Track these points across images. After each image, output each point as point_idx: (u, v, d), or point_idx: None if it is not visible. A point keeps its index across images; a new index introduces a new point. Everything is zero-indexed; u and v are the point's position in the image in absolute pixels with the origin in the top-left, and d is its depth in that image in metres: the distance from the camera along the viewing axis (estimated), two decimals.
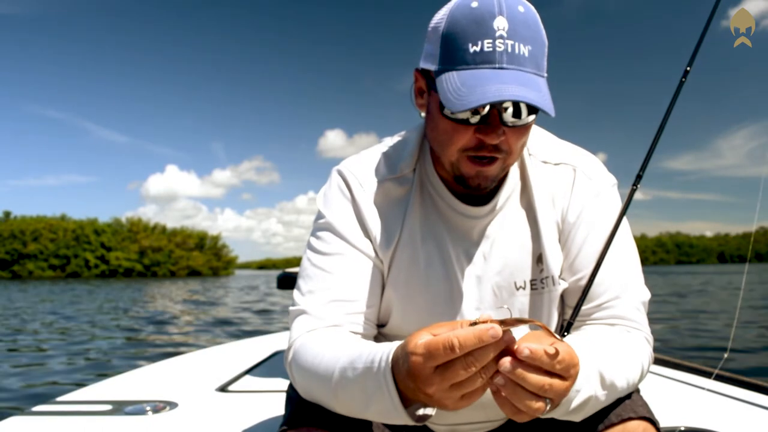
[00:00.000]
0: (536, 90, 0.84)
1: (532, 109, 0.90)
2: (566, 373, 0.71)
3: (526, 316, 1.03)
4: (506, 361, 0.67)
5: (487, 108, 0.88)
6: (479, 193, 0.96)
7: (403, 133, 1.12)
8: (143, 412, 1.84)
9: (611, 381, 0.86)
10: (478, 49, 0.85)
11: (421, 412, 0.79)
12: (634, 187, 1.13)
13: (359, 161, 1.08)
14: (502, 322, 0.66)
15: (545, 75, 0.91)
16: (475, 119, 0.89)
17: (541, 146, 1.07)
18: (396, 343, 0.77)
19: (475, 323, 0.68)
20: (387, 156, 1.07)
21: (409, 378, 0.71)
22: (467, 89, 0.84)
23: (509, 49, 0.85)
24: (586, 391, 0.81)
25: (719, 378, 2.19)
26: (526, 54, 0.86)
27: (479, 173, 0.92)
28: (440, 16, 0.92)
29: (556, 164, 1.05)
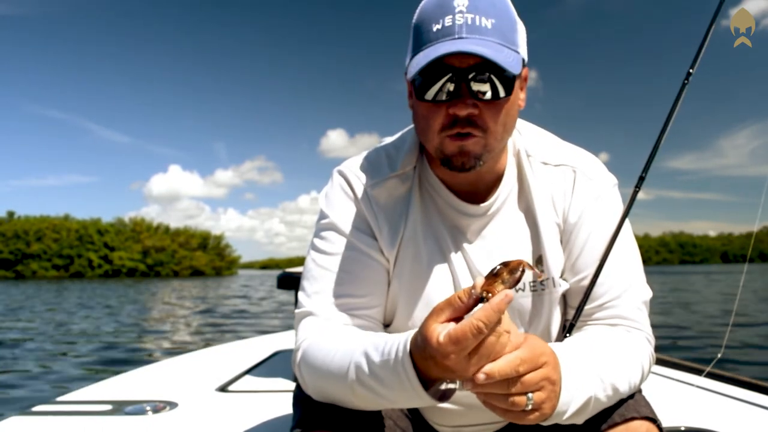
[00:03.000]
0: (494, 50, 0.85)
1: (504, 83, 0.89)
2: (534, 366, 0.73)
3: (526, 318, 1.03)
4: (467, 384, 0.71)
5: (452, 85, 0.88)
6: (466, 172, 0.94)
7: (399, 133, 1.12)
8: (143, 412, 1.84)
9: (612, 382, 0.86)
10: (440, 26, 0.88)
11: (444, 387, 0.80)
12: (636, 189, 1.12)
13: (359, 161, 1.08)
14: (494, 280, 0.70)
15: (518, 50, 0.91)
16: (443, 96, 0.89)
17: (540, 147, 1.06)
18: (411, 333, 0.78)
19: (480, 297, 0.70)
20: (387, 154, 1.07)
21: (431, 361, 0.73)
22: (425, 58, 0.86)
23: (469, 21, 0.87)
24: (585, 393, 0.81)
25: (715, 377, 2.19)
26: (489, 26, 0.88)
27: (461, 149, 0.91)
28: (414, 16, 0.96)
29: (556, 165, 1.05)
